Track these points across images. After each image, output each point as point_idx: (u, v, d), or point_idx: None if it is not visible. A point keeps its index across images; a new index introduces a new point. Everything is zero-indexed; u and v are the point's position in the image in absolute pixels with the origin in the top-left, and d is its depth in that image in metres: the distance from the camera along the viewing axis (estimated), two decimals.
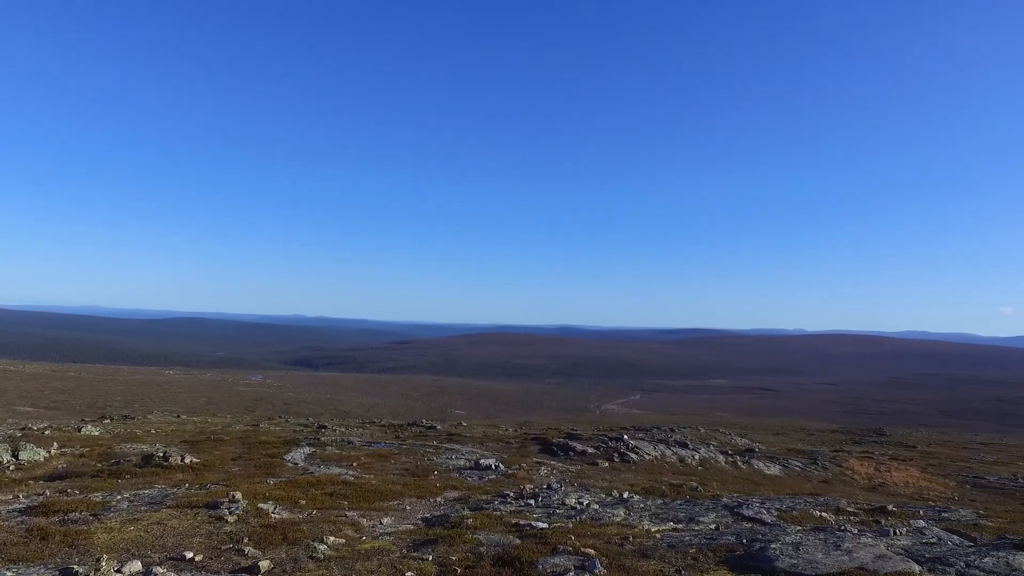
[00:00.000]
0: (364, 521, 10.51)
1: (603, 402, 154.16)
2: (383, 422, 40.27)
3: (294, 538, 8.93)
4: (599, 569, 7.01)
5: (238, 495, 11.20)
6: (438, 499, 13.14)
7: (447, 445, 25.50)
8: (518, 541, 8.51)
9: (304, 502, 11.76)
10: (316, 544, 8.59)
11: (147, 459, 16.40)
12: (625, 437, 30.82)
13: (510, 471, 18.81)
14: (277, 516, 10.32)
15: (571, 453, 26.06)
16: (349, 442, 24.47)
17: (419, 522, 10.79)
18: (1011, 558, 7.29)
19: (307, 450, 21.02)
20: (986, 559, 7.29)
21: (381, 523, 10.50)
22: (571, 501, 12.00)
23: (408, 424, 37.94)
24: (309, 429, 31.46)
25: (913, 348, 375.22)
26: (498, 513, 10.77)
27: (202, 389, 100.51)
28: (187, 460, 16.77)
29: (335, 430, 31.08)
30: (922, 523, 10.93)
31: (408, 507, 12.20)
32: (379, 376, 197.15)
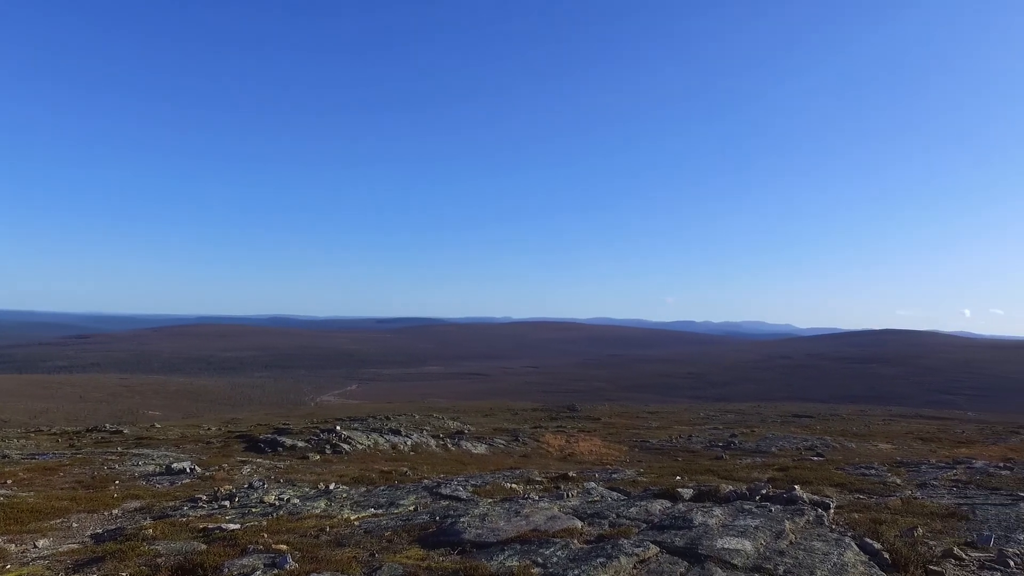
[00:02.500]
0: (12, 547, 8.93)
1: (319, 394, 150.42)
2: (54, 430, 34.55)
3: None
4: (290, 564, 6.84)
5: None
6: (115, 511, 11.66)
7: (135, 450, 22.82)
8: (204, 547, 7.92)
9: None
10: None
11: None
12: (338, 428, 30.48)
13: (208, 473, 17.44)
14: None
15: (280, 448, 25.09)
16: (4, 456, 20.65)
17: (87, 539, 9.47)
18: (649, 505, 8.81)
19: None
20: (632, 508, 8.69)
21: (35, 546, 9.01)
22: (271, 498, 11.53)
23: (87, 430, 33.08)
24: None
25: (600, 332, 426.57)
26: (185, 519, 9.92)
27: None
28: None
29: None
30: (593, 484, 12.51)
31: (75, 524, 10.64)
32: (51, 376, 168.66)
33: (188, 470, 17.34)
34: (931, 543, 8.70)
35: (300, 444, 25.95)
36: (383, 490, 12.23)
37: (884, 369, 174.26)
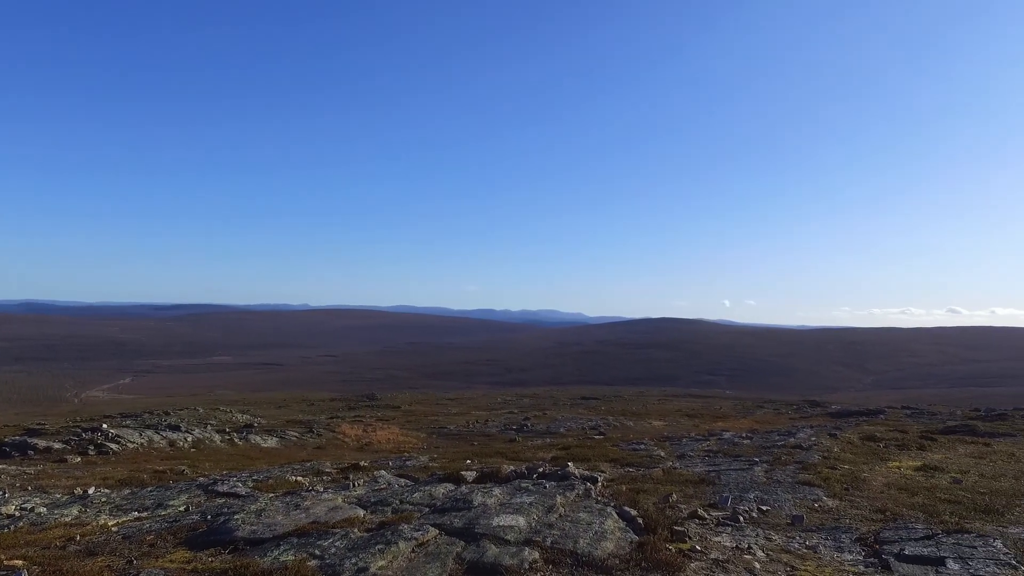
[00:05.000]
0: None
1: (85, 389, 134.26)
2: None
3: None
4: None
5: None
6: None
7: None
8: None
9: None
10: None
11: None
12: (105, 426, 27.58)
13: None
14: None
15: (31, 452, 22.16)
16: None
17: None
18: (433, 490, 9.00)
19: None
20: (416, 494, 8.82)
21: None
22: (10, 509, 10.08)
23: None
24: None
25: (401, 320, 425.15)
26: None
27: None
28: None
29: None
30: (383, 473, 12.47)
31: None
32: None
33: None
34: (681, 507, 9.84)
35: (57, 446, 23.11)
36: (151, 491, 11.23)
37: (660, 353, 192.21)
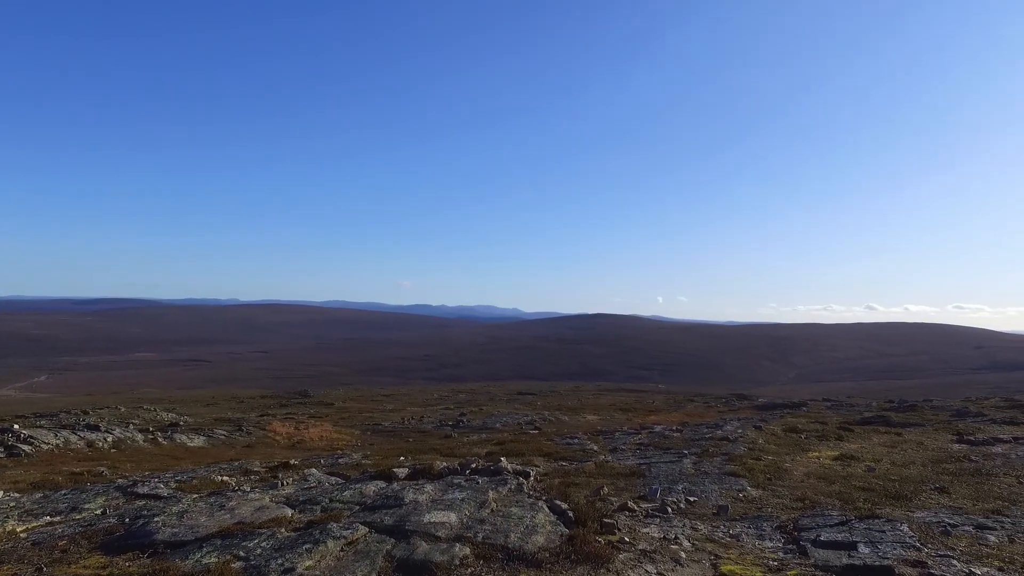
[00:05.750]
0: None
1: None
2: None
3: None
4: None
5: None
6: None
7: None
8: None
9: None
10: None
11: None
12: (16, 427, 26.13)
13: None
14: None
15: None
16: None
17: None
18: (364, 487, 8.90)
19: None
20: (346, 492, 8.70)
21: None
22: None
23: None
24: None
25: (335, 315, 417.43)
26: None
27: None
28: None
29: None
30: (314, 471, 12.24)
31: None
32: None
33: None
34: (612, 499, 10.02)
35: None
36: (66, 494, 10.69)
37: (595, 349, 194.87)
